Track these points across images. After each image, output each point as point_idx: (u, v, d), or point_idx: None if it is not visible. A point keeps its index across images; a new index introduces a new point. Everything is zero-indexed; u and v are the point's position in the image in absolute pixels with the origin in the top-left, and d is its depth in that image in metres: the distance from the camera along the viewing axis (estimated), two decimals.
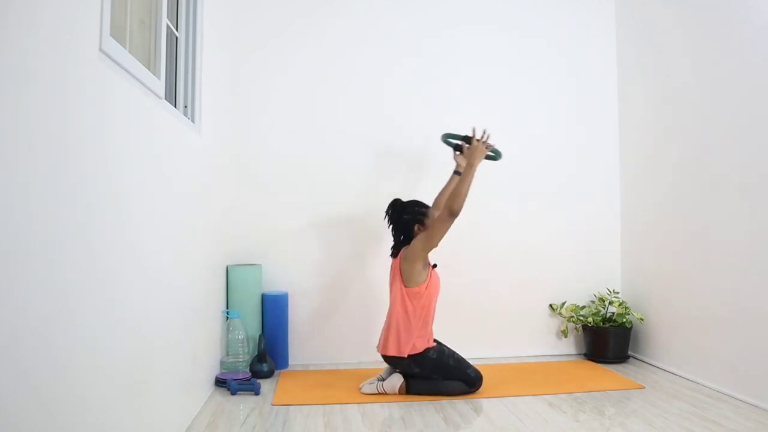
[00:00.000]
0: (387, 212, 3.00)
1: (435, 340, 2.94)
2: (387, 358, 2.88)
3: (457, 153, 3.11)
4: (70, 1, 1.32)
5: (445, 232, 2.75)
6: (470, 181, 2.77)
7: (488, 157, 3.00)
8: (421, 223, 2.89)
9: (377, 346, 2.95)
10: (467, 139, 3.00)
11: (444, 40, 3.74)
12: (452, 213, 2.69)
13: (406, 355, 2.80)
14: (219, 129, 3.10)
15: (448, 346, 2.96)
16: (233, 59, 3.52)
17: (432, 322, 2.93)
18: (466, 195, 2.72)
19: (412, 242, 2.86)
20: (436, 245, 2.79)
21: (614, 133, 3.87)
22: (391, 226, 2.99)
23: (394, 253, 2.98)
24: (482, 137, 2.97)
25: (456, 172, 3.13)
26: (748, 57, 2.75)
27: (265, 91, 3.58)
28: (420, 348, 2.82)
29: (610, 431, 2.36)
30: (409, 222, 2.91)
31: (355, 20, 3.67)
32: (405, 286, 2.84)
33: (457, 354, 2.91)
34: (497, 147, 3.05)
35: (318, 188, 3.58)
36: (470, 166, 2.81)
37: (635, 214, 3.69)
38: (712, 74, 2.99)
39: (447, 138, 3.11)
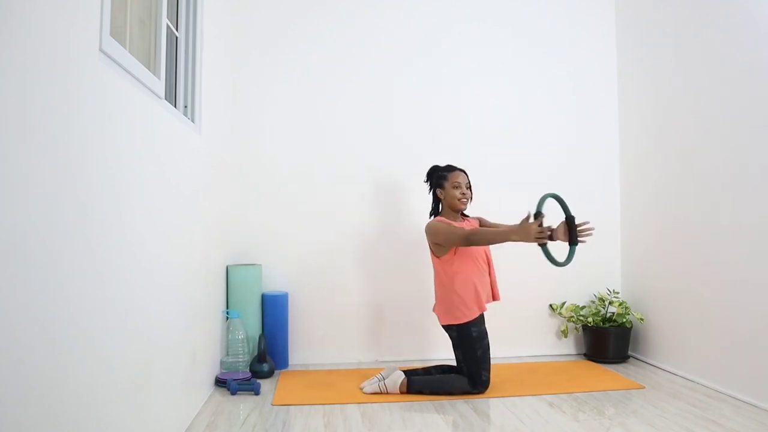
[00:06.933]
0: (428, 177, 3.08)
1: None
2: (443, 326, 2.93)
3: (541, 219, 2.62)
4: (70, 1, 1.32)
5: (449, 245, 2.84)
6: (499, 242, 2.72)
7: (543, 248, 2.61)
8: (440, 186, 2.97)
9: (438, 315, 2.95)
10: (569, 220, 2.67)
11: (450, 41, 3.74)
12: (468, 243, 2.75)
13: (460, 323, 2.82)
14: (219, 129, 3.10)
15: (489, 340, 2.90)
16: (234, 59, 3.51)
17: (483, 285, 2.88)
18: (487, 244, 2.77)
19: (432, 225, 2.89)
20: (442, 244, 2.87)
21: (614, 134, 3.87)
22: (431, 191, 3.06)
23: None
24: (580, 229, 2.70)
25: (541, 244, 2.62)
26: (745, 60, 2.76)
27: (266, 91, 3.57)
28: (466, 317, 2.81)
29: (610, 431, 2.37)
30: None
31: (357, 21, 3.67)
32: (435, 256, 2.92)
33: (489, 352, 2.87)
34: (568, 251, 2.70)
35: (318, 188, 3.58)
36: (514, 234, 2.61)
37: (635, 215, 3.69)
38: (711, 75, 2.99)
39: (549, 198, 2.67)
